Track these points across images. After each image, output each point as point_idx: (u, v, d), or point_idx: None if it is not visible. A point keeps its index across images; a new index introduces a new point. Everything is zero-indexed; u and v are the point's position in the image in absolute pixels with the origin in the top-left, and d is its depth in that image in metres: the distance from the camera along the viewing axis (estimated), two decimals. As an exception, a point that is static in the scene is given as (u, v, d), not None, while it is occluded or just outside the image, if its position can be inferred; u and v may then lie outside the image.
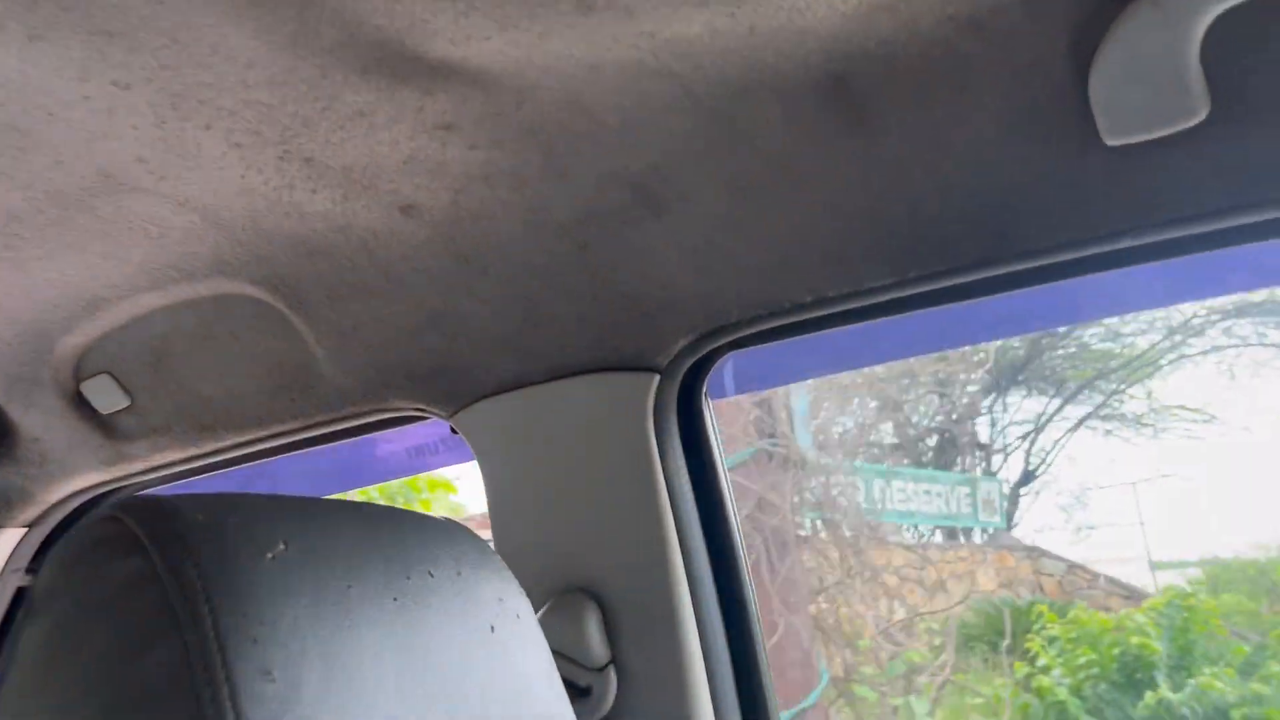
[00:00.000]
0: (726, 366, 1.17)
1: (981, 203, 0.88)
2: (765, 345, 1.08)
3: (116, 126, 0.87)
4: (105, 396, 1.30)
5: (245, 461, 1.37)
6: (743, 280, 1.00)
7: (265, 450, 1.35)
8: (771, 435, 5.30)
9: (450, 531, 0.73)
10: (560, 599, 1.08)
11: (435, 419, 1.21)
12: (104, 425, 1.34)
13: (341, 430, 1.28)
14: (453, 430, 1.19)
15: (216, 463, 1.38)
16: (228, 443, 1.32)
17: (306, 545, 0.61)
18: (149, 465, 1.39)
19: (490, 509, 1.16)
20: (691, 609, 1.07)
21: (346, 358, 1.17)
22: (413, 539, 0.69)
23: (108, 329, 1.23)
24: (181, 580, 0.54)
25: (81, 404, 1.32)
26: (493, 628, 0.71)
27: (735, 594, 1.11)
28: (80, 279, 1.13)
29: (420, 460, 1.74)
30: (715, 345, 1.07)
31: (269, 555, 0.59)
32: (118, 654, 0.54)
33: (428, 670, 0.63)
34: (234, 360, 1.23)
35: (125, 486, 1.47)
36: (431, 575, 0.68)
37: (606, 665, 1.07)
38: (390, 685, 0.60)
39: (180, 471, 1.41)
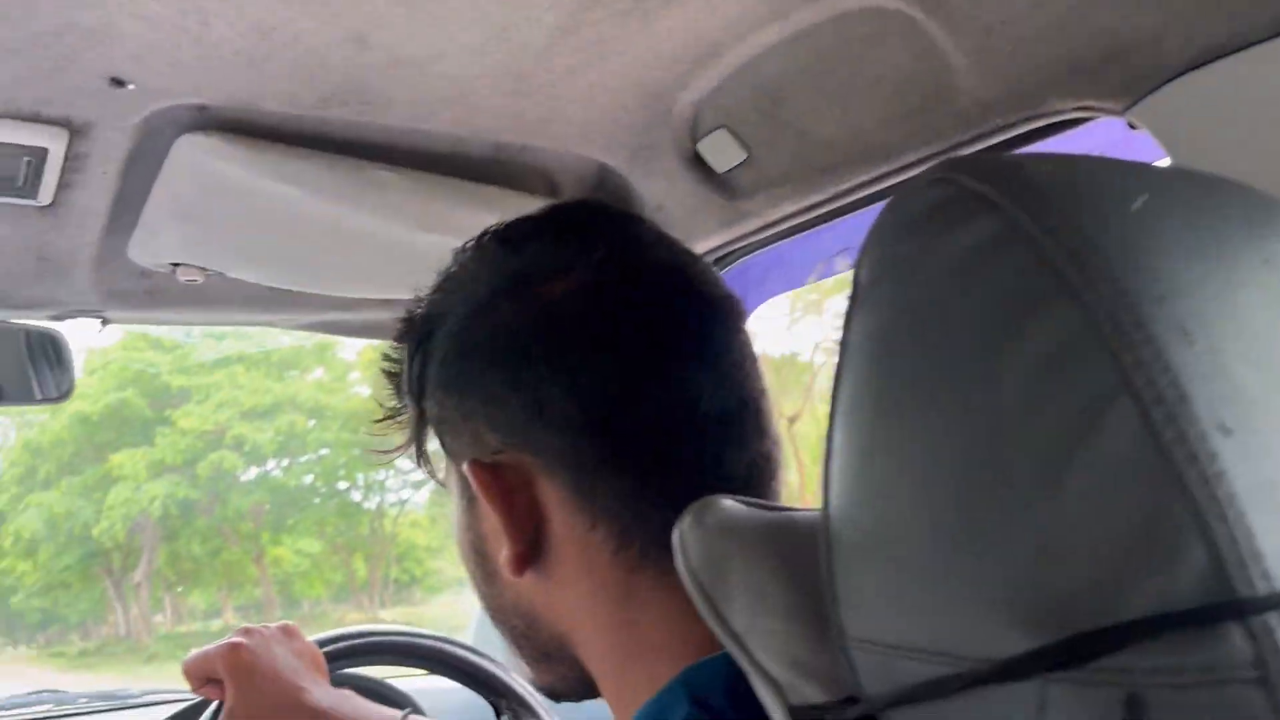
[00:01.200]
0: None
1: None
2: None
3: None
4: (722, 153, 1.28)
5: (865, 205, 1.30)
6: None
7: (887, 189, 1.26)
8: None
9: None
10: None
11: (1104, 117, 1.04)
12: (721, 184, 1.34)
13: (977, 151, 1.15)
14: (1131, 126, 1.01)
15: (833, 210, 1.32)
16: (846, 185, 1.25)
17: (1164, 200, 0.49)
18: (765, 222, 1.37)
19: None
20: None
21: (993, 60, 1.03)
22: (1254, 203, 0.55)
23: (721, 80, 1.19)
24: (1058, 237, 0.44)
25: (699, 164, 1.31)
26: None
27: None
28: (699, 21, 1.08)
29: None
30: None
31: (1133, 206, 0.48)
32: (993, 324, 0.46)
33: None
34: (855, 90, 1.14)
35: (739, 248, 1.47)
36: None
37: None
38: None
39: (794, 226, 1.38)
